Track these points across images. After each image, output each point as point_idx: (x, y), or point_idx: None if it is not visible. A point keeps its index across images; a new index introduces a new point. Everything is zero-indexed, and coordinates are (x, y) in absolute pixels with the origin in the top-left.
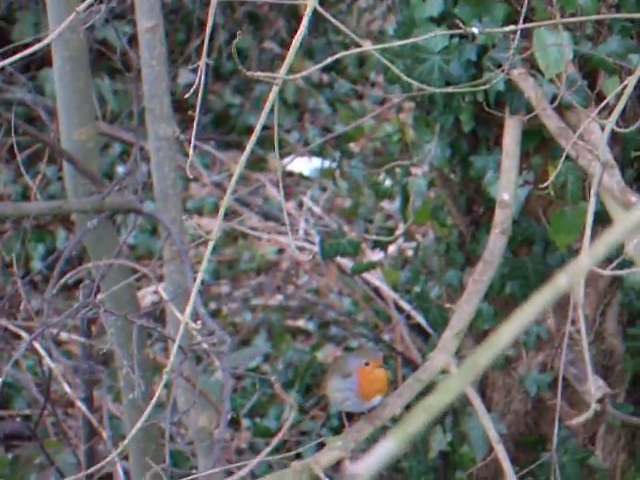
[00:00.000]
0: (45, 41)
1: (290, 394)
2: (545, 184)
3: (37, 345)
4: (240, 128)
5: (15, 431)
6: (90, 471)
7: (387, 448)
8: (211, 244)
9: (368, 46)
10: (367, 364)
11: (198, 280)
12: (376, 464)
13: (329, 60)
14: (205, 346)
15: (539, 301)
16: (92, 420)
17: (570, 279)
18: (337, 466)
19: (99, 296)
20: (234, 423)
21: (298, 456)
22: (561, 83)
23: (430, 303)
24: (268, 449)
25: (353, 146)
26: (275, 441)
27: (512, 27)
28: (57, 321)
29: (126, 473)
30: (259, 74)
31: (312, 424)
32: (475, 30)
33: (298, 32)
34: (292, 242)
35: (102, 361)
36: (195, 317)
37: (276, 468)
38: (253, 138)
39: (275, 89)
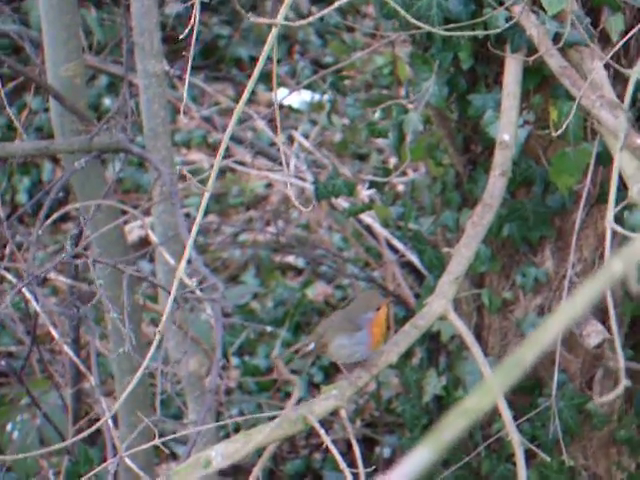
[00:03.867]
0: None
1: (280, 332)
2: (546, 125)
3: (23, 289)
4: (229, 59)
5: (1, 369)
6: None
7: (422, 456)
8: (206, 195)
9: None
10: (378, 309)
11: (193, 232)
12: (411, 473)
13: None
14: (197, 294)
15: (588, 292)
16: (79, 364)
17: (625, 265)
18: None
19: (87, 237)
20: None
21: (287, 395)
22: (564, 20)
23: (425, 244)
24: None
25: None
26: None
27: None
28: (43, 270)
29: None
30: (259, 19)
31: (301, 362)
32: None
33: None
34: (287, 180)
35: (89, 298)
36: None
37: (265, 408)
38: (251, 82)
39: (274, 32)
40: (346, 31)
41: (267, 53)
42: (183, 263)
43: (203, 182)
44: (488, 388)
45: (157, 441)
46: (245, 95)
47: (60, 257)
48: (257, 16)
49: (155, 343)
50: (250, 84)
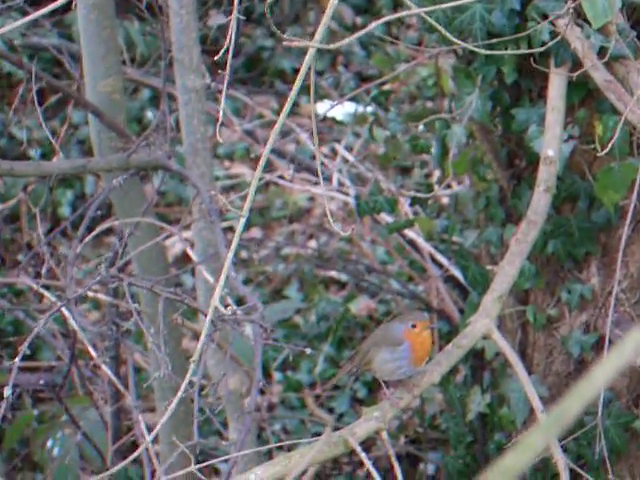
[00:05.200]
0: None
1: (323, 347)
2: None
3: (63, 309)
4: (272, 71)
5: (45, 383)
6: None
7: None
8: (242, 220)
9: None
10: (414, 326)
11: (229, 256)
12: None
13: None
14: (237, 314)
15: (636, 337)
16: (118, 386)
17: None
18: None
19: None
20: (265, 377)
21: (331, 411)
22: (609, 34)
23: (469, 260)
24: None
25: (388, 89)
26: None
27: None
28: (80, 291)
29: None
30: (296, 43)
31: (345, 378)
32: None
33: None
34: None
35: (129, 315)
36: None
37: (308, 424)
38: (290, 101)
39: (310, 54)
40: (390, 42)
41: (304, 74)
42: (218, 290)
43: (244, 198)
44: (530, 444)
45: (193, 467)
46: (284, 112)
47: (95, 280)
48: (300, 26)
49: (190, 372)
50: (288, 103)
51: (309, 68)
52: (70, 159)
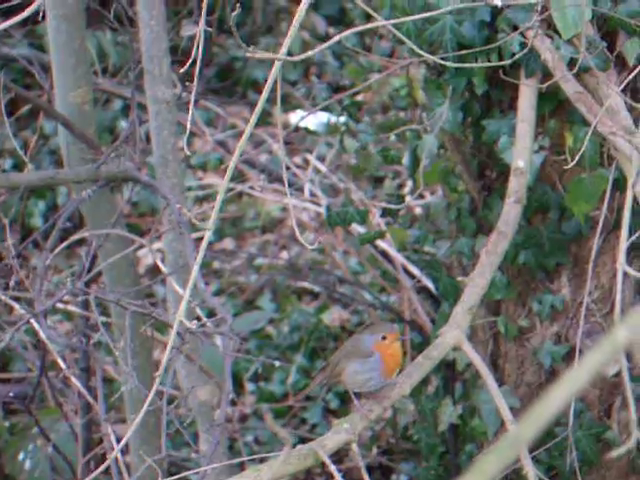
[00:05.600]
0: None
1: (296, 358)
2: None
3: (32, 321)
4: (245, 81)
5: (15, 395)
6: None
7: None
8: (208, 234)
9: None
10: (384, 338)
11: (195, 270)
12: None
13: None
14: (206, 326)
15: (592, 362)
16: (88, 398)
17: (631, 333)
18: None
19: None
20: (238, 387)
21: (303, 422)
22: (579, 45)
23: (441, 272)
24: None
25: (360, 100)
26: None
27: None
28: (48, 305)
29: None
30: (260, 55)
31: (317, 389)
32: (498, 2)
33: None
34: (293, 205)
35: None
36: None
37: (280, 435)
38: (254, 115)
39: (276, 66)
40: (363, 53)
41: (270, 86)
42: (183, 303)
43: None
44: (483, 468)
45: None
46: (250, 124)
47: (61, 294)
48: (273, 36)
49: (155, 385)
50: (255, 114)
51: (277, 79)
52: (38, 171)
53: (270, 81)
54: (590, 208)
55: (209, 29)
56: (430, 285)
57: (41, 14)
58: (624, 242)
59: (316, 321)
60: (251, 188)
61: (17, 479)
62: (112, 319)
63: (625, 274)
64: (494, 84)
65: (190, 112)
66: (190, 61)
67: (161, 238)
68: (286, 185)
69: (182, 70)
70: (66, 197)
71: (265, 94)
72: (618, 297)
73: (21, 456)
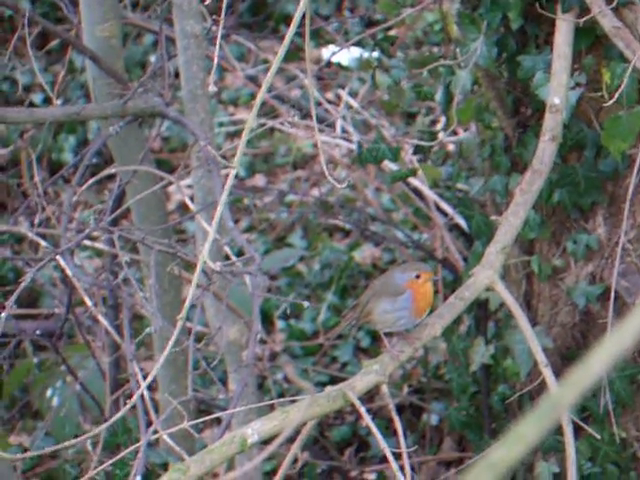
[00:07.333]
0: None
1: (326, 295)
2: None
3: (59, 258)
4: (277, 16)
5: (43, 332)
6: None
7: None
8: (233, 172)
9: None
10: (418, 277)
11: (219, 209)
12: None
13: None
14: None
15: (636, 323)
16: (115, 336)
17: None
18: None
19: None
20: (268, 325)
21: (334, 360)
22: None
23: (473, 210)
24: None
25: (393, 35)
26: None
27: None
28: (72, 244)
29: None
30: None
31: (347, 328)
32: None
33: None
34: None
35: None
36: (222, 231)
37: (311, 373)
38: (283, 47)
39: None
40: None
41: (299, 19)
42: (207, 244)
43: (250, 141)
44: (520, 435)
45: (186, 424)
46: (277, 58)
47: (84, 233)
48: None
49: (179, 326)
50: (282, 48)
51: (311, 13)
52: (64, 106)
53: (298, 14)
54: (627, 146)
55: None
56: (463, 223)
57: None
58: None
59: (347, 259)
60: (282, 124)
61: (45, 415)
62: (141, 257)
63: None
64: (530, 19)
65: (217, 46)
66: None
67: (190, 175)
68: (314, 121)
69: (206, 2)
70: (97, 132)
71: (293, 27)
72: None
73: (49, 393)
